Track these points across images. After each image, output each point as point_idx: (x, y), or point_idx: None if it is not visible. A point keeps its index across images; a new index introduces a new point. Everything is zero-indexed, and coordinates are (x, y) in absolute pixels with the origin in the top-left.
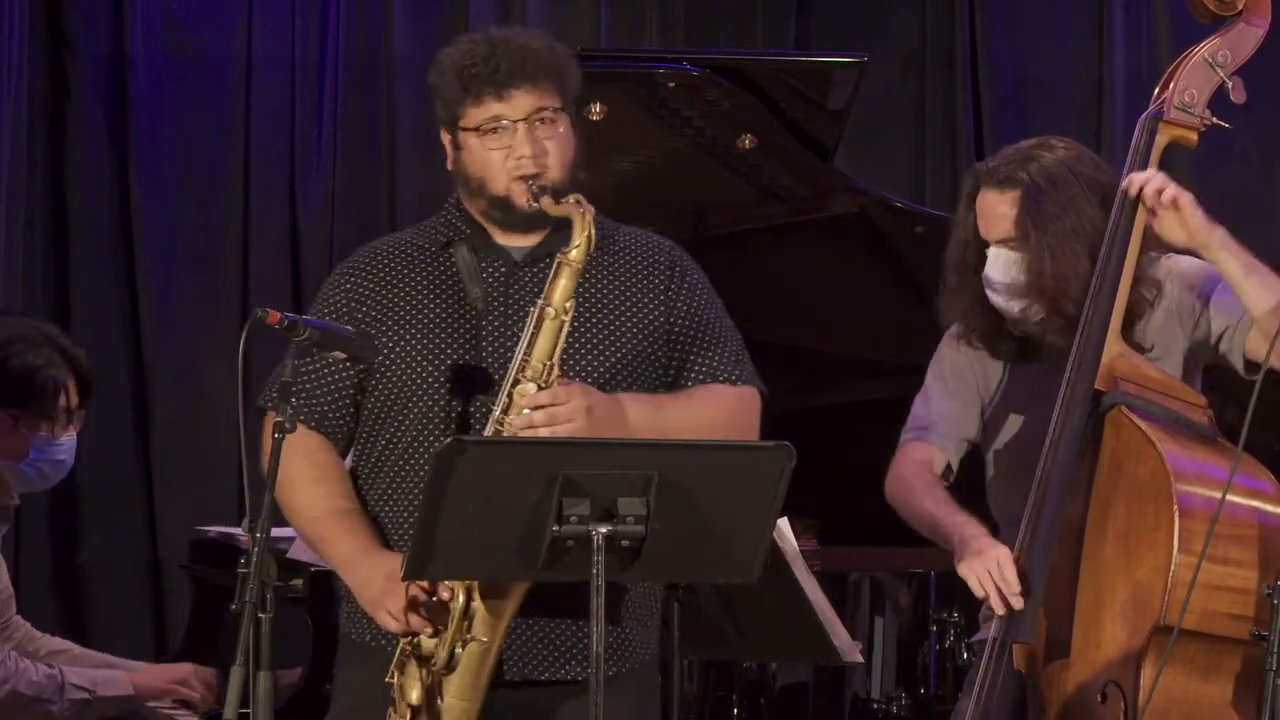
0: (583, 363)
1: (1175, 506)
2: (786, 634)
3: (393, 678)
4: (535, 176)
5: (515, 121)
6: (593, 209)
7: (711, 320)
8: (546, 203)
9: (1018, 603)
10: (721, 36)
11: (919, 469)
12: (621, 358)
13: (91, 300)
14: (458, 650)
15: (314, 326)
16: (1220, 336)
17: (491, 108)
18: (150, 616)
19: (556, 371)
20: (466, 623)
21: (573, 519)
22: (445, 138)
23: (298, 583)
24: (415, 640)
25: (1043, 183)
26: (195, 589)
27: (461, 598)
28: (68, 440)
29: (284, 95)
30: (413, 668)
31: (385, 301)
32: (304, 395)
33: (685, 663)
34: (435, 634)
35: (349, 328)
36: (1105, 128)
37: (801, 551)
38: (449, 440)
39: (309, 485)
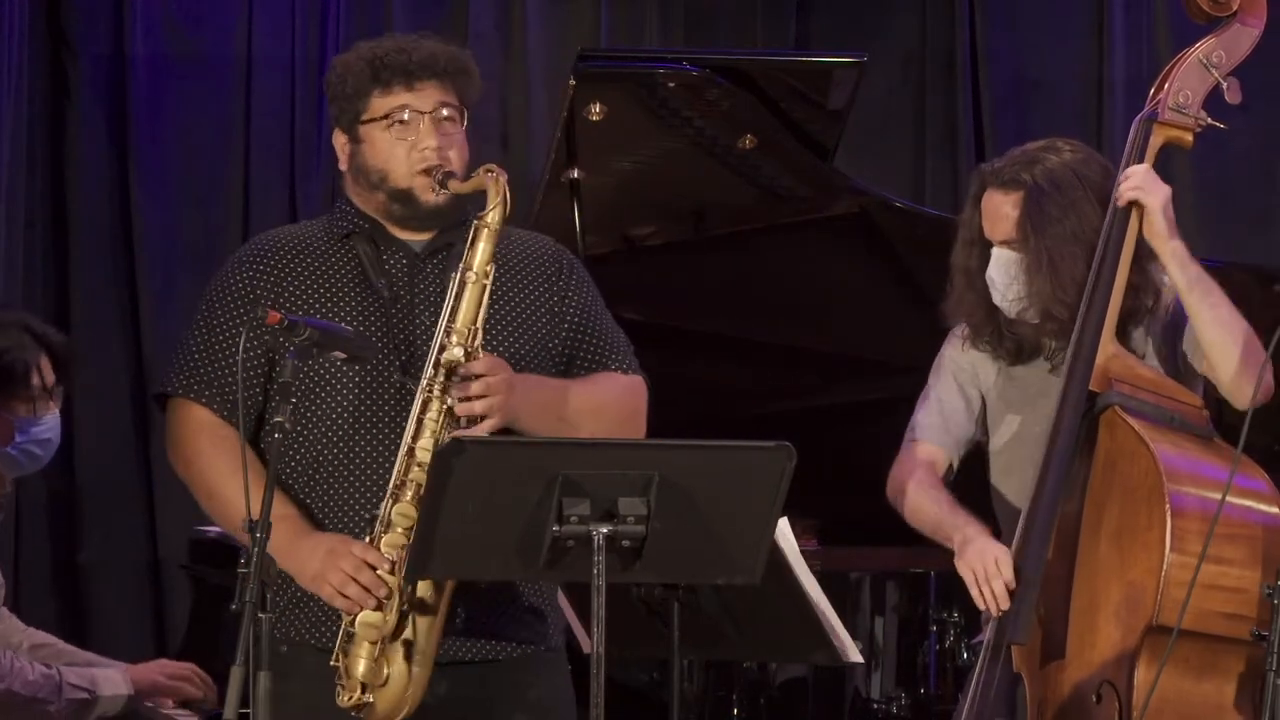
0: (493, 343)
1: (1167, 506)
2: (786, 634)
3: (337, 660)
4: (439, 167)
5: (422, 113)
6: (505, 173)
7: (599, 314)
8: (455, 184)
9: (1005, 603)
10: (721, 36)
11: (920, 469)
12: (524, 344)
13: (91, 300)
14: (408, 623)
15: (314, 327)
16: (1188, 351)
17: (400, 96)
18: (150, 616)
19: (480, 336)
20: (410, 589)
21: (573, 519)
22: (339, 139)
23: None
24: (354, 619)
25: (1045, 185)
26: (195, 589)
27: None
28: (50, 419)
29: (284, 95)
30: (357, 646)
31: (288, 291)
32: (216, 384)
33: (685, 663)
34: (378, 608)
35: (348, 327)
36: (1105, 128)
37: (801, 551)
38: (448, 440)
39: (234, 477)
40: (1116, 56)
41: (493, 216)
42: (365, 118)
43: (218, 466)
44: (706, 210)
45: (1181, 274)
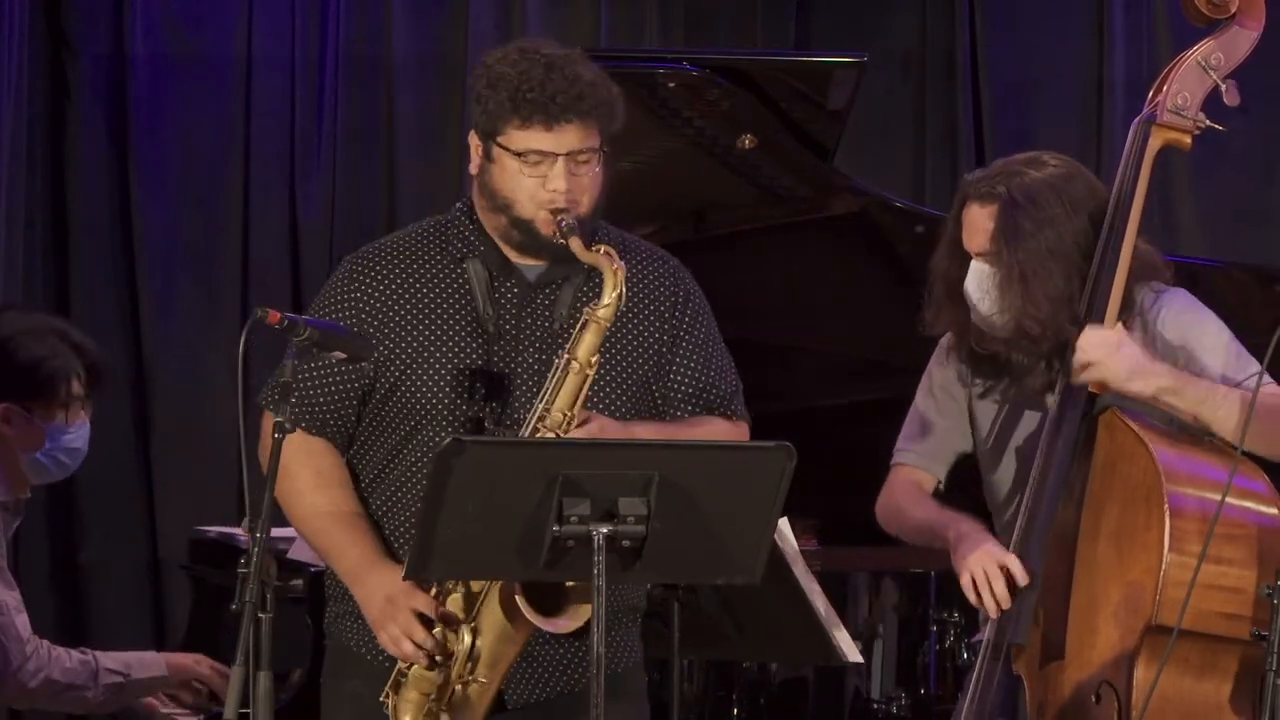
0: (597, 395)
1: (1166, 507)
2: (786, 634)
3: (387, 697)
4: (565, 211)
5: (558, 155)
6: (624, 266)
7: (712, 352)
8: (576, 245)
9: (1006, 604)
10: (721, 36)
11: (907, 488)
12: (631, 388)
13: (91, 300)
14: (457, 689)
15: (314, 326)
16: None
17: (538, 137)
18: (150, 616)
19: (576, 423)
20: (470, 664)
21: (573, 519)
22: (475, 142)
23: (298, 583)
24: (411, 665)
25: (1020, 199)
26: (195, 589)
27: (467, 639)
28: (80, 427)
29: (284, 95)
30: (407, 691)
31: (395, 310)
32: (307, 400)
33: (685, 663)
34: (431, 666)
35: (347, 327)
36: (1105, 128)
37: (801, 551)
38: (448, 440)
39: (313, 492)
40: (1116, 56)
41: (604, 312)
42: (501, 141)
43: (293, 481)
44: (706, 210)
45: (1181, 403)
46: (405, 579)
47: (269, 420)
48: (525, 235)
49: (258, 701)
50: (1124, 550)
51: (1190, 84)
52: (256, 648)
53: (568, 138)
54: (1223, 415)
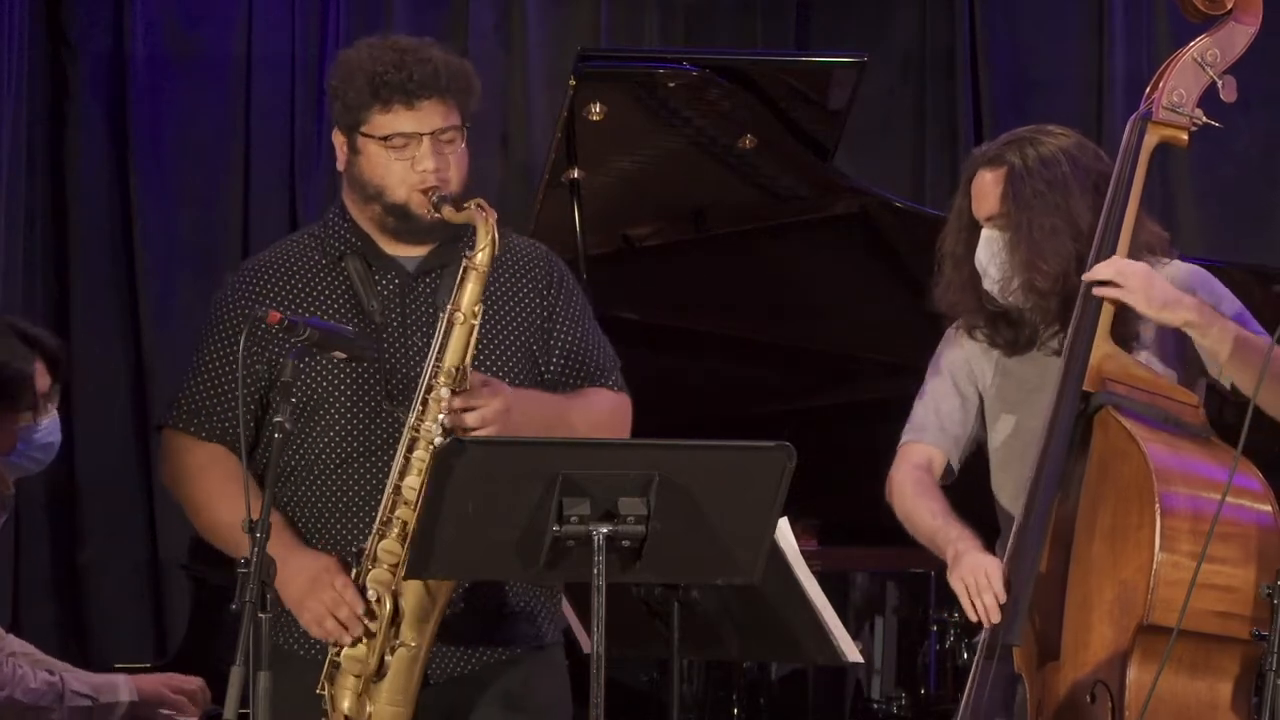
0: (484, 360)
1: (1158, 506)
2: (786, 634)
3: (323, 689)
4: (435, 189)
5: (422, 135)
6: (495, 212)
7: (589, 328)
8: (448, 211)
9: (995, 616)
10: (721, 36)
11: (916, 474)
12: (517, 356)
13: (91, 300)
14: (387, 657)
15: (314, 327)
16: (1206, 366)
17: (400, 117)
18: (150, 616)
19: (469, 376)
20: (394, 629)
21: (573, 519)
22: (339, 139)
23: None
24: (340, 649)
25: (1032, 163)
26: (195, 589)
27: (389, 604)
28: (49, 422)
29: (284, 95)
30: (343, 677)
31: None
32: (203, 409)
33: (685, 663)
34: (355, 642)
35: (348, 327)
36: (1105, 128)
37: (801, 551)
38: (448, 440)
39: (219, 500)
40: (1116, 56)
41: (481, 258)
42: (364, 130)
43: (204, 486)
44: (706, 210)
45: (1204, 340)
46: (405, 579)
47: (171, 440)
48: (400, 220)
49: (257, 701)
50: (1117, 549)
51: (1186, 80)
52: (256, 648)
53: (430, 116)
54: (1241, 359)
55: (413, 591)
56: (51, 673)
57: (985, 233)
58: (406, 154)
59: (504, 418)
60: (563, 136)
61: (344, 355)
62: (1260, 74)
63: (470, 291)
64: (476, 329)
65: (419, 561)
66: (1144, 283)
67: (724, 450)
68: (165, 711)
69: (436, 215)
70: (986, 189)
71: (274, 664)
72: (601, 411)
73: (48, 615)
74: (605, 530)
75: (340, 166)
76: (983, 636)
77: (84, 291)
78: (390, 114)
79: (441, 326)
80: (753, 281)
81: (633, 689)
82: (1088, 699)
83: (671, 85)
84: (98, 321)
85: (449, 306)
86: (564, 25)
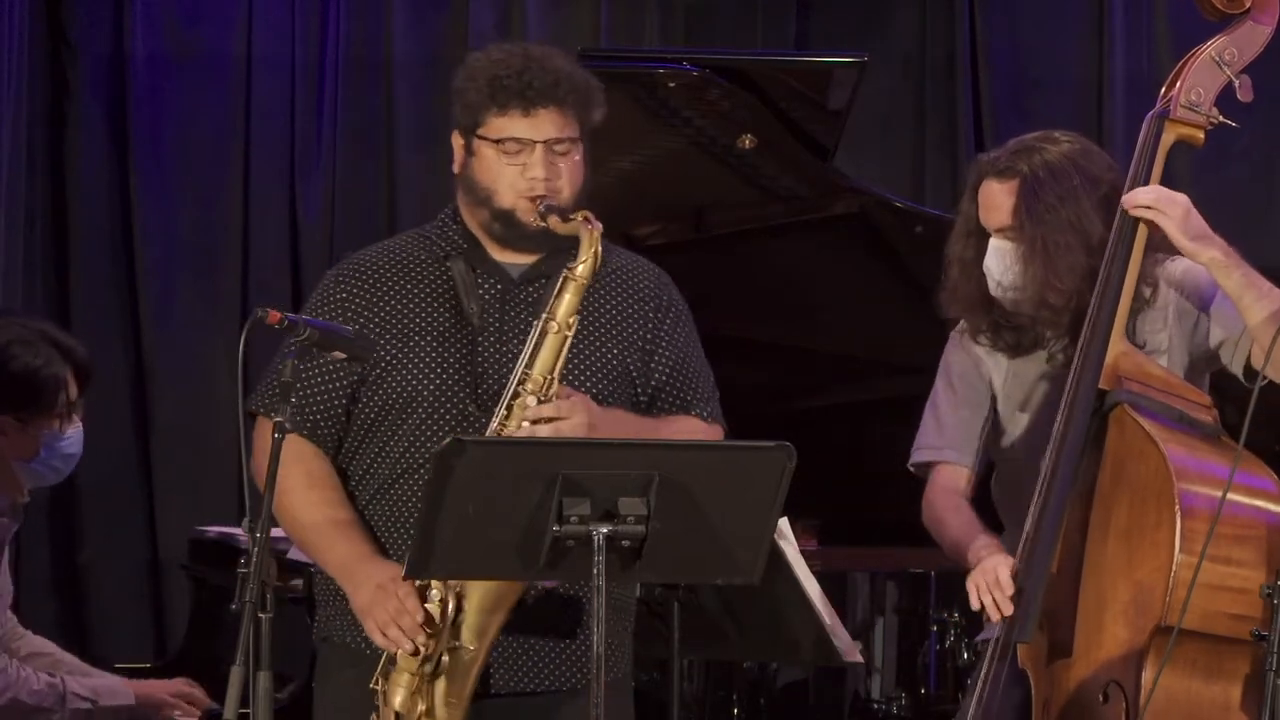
0: (578, 376)
1: (1177, 506)
2: (786, 634)
3: (377, 684)
4: (543, 198)
5: (535, 142)
6: (600, 226)
7: (692, 355)
8: (554, 221)
9: (1008, 608)
10: (721, 36)
11: (946, 496)
12: (612, 375)
13: (91, 300)
14: (444, 658)
15: (314, 326)
16: (1220, 345)
17: (515, 122)
18: (150, 616)
19: (556, 385)
20: (454, 630)
21: (573, 519)
22: (457, 141)
23: (298, 583)
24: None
25: (1042, 174)
26: (195, 589)
27: (451, 604)
28: (74, 432)
29: (284, 95)
30: (397, 674)
31: (380, 311)
32: (297, 403)
33: (685, 663)
34: (416, 652)
35: (349, 327)
36: (1105, 128)
37: (801, 551)
38: (448, 440)
39: (303, 492)
40: (1116, 56)
41: (582, 269)
42: (480, 132)
43: (283, 482)
44: (706, 210)
45: (1226, 281)
46: (405, 579)
47: (262, 428)
48: (507, 226)
49: (258, 701)
50: (1133, 549)
51: (1204, 79)
52: (256, 648)
53: (545, 125)
54: (1259, 309)
55: (476, 595)
56: (53, 674)
57: (995, 242)
58: (518, 160)
59: (584, 433)
60: None
61: (344, 355)
62: (1260, 74)
63: (567, 302)
64: (569, 340)
65: (419, 561)
66: (1182, 211)
67: (724, 450)
68: (165, 713)
69: (542, 224)
70: (997, 200)
71: (329, 660)
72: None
73: (48, 615)
74: (605, 530)
75: (456, 169)
76: (996, 633)
77: (84, 291)
78: (505, 118)
79: (535, 334)
80: (752, 281)
81: (632, 689)
82: (1100, 698)
83: (671, 85)
84: (98, 321)
85: (544, 315)
86: (564, 25)
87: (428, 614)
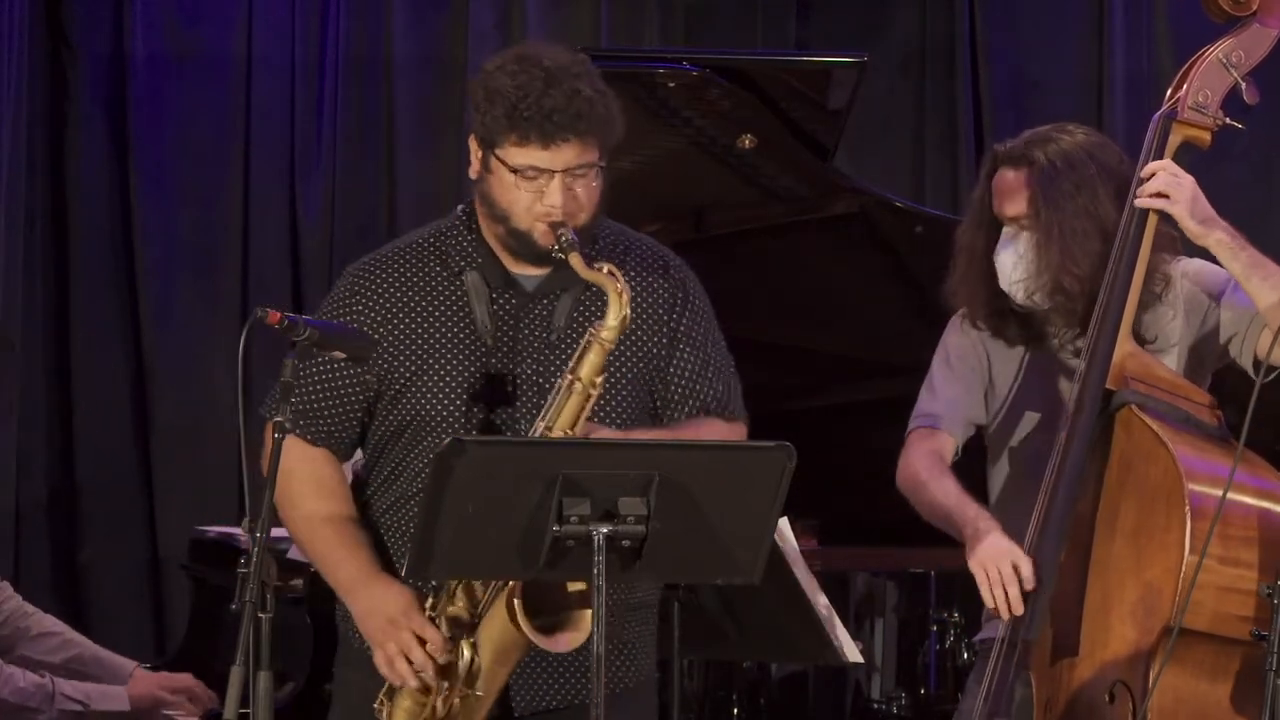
0: (600, 404)
1: (1187, 508)
2: (786, 634)
3: (382, 705)
4: (563, 225)
5: (554, 172)
6: (628, 286)
7: (712, 353)
8: (576, 261)
9: (1019, 608)
10: (721, 36)
11: (929, 458)
12: (629, 390)
13: (91, 300)
14: (455, 701)
15: (314, 326)
16: (1230, 338)
17: (534, 155)
18: (150, 616)
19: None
20: (468, 679)
21: (573, 519)
22: (475, 149)
23: (298, 583)
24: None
25: (1059, 162)
26: (195, 589)
27: (467, 654)
28: None
29: (284, 95)
30: (401, 698)
31: (396, 323)
32: (310, 410)
33: (685, 663)
34: (426, 690)
35: (350, 326)
36: (1105, 127)
37: (801, 551)
38: (448, 440)
39: (311, 499)
40: (1116, 56)
41: (608, 335)
42: (499, 155)
43: (292, 489)
44: (706, 210)
45: (1234, 263)
46: (405, 579)
47: (271, 429)
48: (522, 245)
49: (258, 701)
50: (1141, 549)
51: (1212, 81)
52: (256, 648)
53: (564, 155)
54: (1268, 290)
55: (489, 644)
56: (42, 675)
57: (1008, 231)
58: (535, 186)
59: None
60: None
61: (344, 355)
62: (1261, 74)
63: (591, 363)
64: (594, 399)
65: (418, 562)
66: (1190, 195)
67: (724, 450)
68: (166, 712)
69: (561, 257)
70: (1011, 188)
71: (344, 656)
72: None
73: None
74: (605, 530)
75: (472, 174)
76: (1000, 632)
77: (84, 291)
78: (525, 148)
79: (559, 391)
80: (752, 281)
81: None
82: (1106, 698)
83: (671, 85)
84: (98, 321)
85: (568, 374)
86: (564, 25)
87: (445, 664)
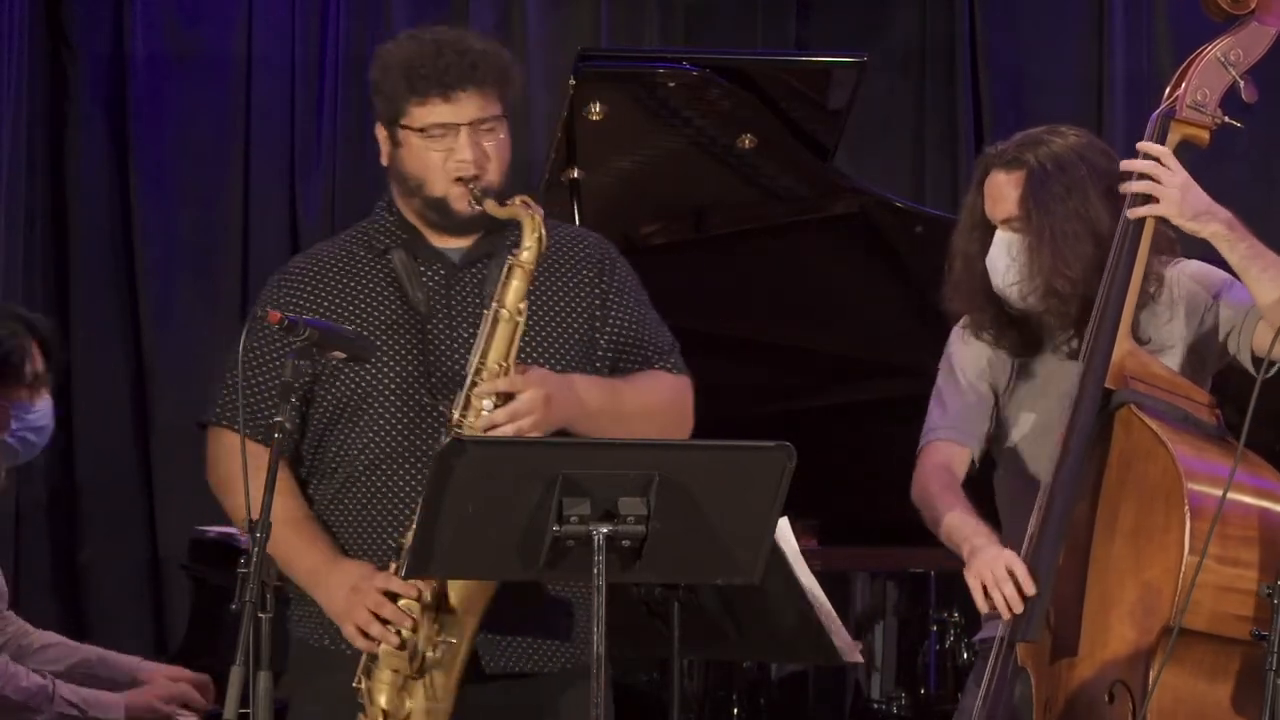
0: (535, 356)
1: (1186, 507)
2: (786, 634)
3: (359, 683)
4: (475, 179)
5: (460, 125)
6: (541, 210)
7: (644, 313)
8: (491, 205)
9: (1018, 607)
10: (721, 36)
11: (938, 472)
12: (569, 348)
13: (91, 300)
14: (429, 654)
15: (314, 327)
16: (1229, 333)
17: (436, 109)
18: (150, 616)
19: (512, 372)
20: (436, 625)
21: (573, 519)
22: (382, 134)
23: None
24: (380, 645)
25: (1049, 165)
26: (195, 589)
27: (429, 596)
28: (43, 405)
29: (284, 95)
30: (380, 671)
31: (326, 309)
32: (250, 410)
33: (685, 663)
34: (400, 646)
35: (349, 327)
36: (1105, 127)
37: (801, 551)
38: (449, 440)
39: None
40: (1116, 56)
41: (527, 256)
42: (404, 123)
43: (237, 490)
44: (706, 210)
45: (1232, 254)
46: (404, 579)
47: (216, 438)
48: (441, 214)
49: (257, 701)
50: (1141, 549)
51: (1210, 79)
52: (256, 648)
53: (467, 107)
54: (1268, 279)
55: (454, 588)
56: (44, 676)
57: (1001, 234)
58: (444, 145)
59: (543, 408)
60: (563, 136)
61: (343, 355)
62: (1260, 74)
63: (515, 288)
64: (521, 326)
65: (419, 562)
66: (1179, 194)
67: (724, 450)
68: (165, 710)
69: (478, 208)
70: (1003, 190)
71: (305, 662)
72: (657, 393)
73: (48, 615)
74: (605, 530)
75: (384, 161)
76: (997, 633)
77: (84, 291)
78: (426, 106)
79: (486, 324)
80: (752, 281)
81: (633, 689)
82: (1105, 698)
83: (671, 85)
84: (98, 321)
85: (494, 303)
86: (564, 25)
87: (405, 611)
